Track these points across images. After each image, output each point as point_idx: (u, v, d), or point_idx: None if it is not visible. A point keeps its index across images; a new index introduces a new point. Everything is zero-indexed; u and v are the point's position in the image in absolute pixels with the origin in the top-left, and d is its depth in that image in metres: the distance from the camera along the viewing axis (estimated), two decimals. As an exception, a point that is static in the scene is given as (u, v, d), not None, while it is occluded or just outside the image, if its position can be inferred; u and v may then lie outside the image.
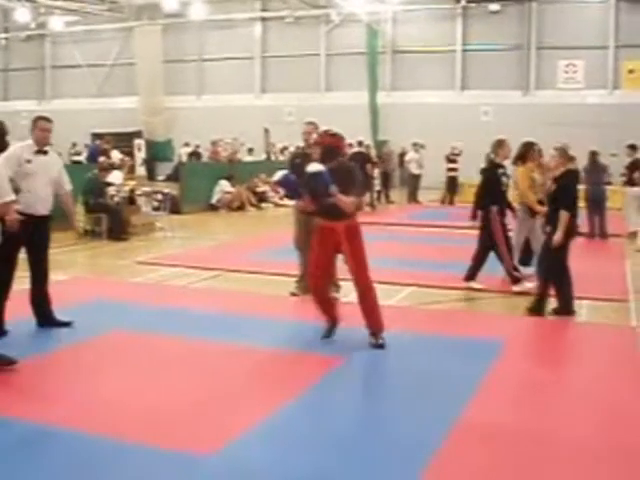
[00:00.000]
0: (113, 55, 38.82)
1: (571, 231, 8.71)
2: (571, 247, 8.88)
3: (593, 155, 16.38)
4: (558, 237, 8.50)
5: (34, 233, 7.27)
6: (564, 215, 8.55)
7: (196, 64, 37.49)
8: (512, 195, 10.78)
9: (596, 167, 16.20)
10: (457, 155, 24.74)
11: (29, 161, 7.28)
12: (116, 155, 22.82)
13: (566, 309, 8.83)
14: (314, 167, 6.83)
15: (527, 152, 10.91)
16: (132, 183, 17.63)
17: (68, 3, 33.97)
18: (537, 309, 8.76)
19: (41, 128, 7.41)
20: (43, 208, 7.40)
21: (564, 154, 9.06)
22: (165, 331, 7.64)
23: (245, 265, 11.85)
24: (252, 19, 36.15)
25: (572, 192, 8.92)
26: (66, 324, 7.67)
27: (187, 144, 29.71)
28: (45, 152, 7.46)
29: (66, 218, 8.07)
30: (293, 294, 9.54)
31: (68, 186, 7.88)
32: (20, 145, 7.39)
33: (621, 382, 6.28)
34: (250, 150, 28.23)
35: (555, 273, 8.81)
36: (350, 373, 6.48)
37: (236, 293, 10.02)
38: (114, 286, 10.47)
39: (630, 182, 15.93)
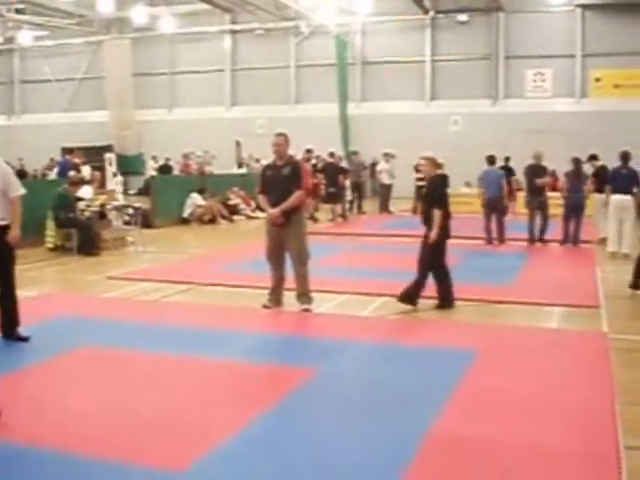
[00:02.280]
0: (83, 69, 38.70)
1: (445, 231, 9.61)
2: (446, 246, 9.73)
3: (577, 162, 16.47)
4: (434, 234, 9.38)
5: None
6: (437, 213, 9.43)
7: (166, 77, 37.44)
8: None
9: (579, 174, 16.30)
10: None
11: None
12: (87, 170, 22.67)
13: (447, 303, 9.71)
14: None
15: None
16: (103, 197, 17.50)
17: (36, 17, 33.81)
18: (407, 298, 9.57)
19: None
20: None
21: (433, 162, 10.02)
22: (137, 346, 7.59)
23: (217, 278, 11.80)
24: (222, 32, 36.19)
25: (441, 193, 9.79)
26: (25, 339, 7.59)
27: (154, 158, 29.54)
28: None
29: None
30: (265, 306, 9.51)
31: (16, 191, 7.61)
32: None
33: (593, 389, 6.30)
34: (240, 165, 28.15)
35: (435, 271, 9.67)
36: (321, 385, 6.45)
37: (208, 306, 9.98)
38: (85, 302, 10.38)
39: (598, 189, 16.07)
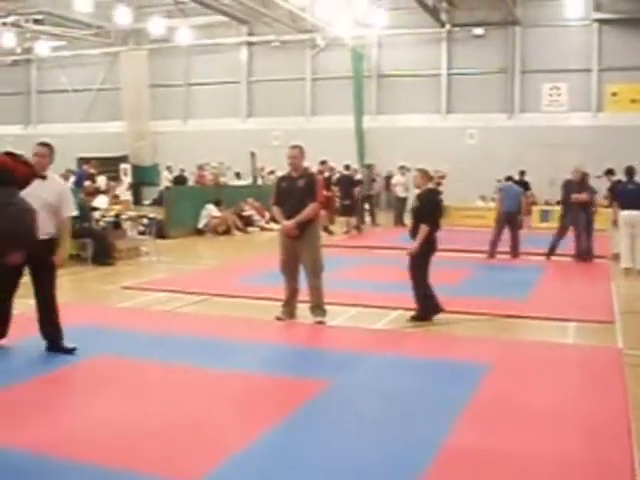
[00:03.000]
0: (99, 80, 38.93)
1: (431, 245, 9.65)
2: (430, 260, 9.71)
3: (583, 176, 16.44)
4: (414, 247, 9.51)
5: (30, 258, 7.26)
6: (424, 229, 9.49)
7: (182, 89, 37.60)
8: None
9: (585, 188, 16.25)
10: (442, 178, 24.78)
11: None
12: (102, 180, 22.80)
13: (422, 316, 9.65)
14: None
15: None
16: (117, 208, 17.57)
17: (54, 28, 34.05)
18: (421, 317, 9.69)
19: (34, 153, 7.42)
20: (38, 232, 7.38)
21: (425, 175, 10.03)
22: (151, 356, 7.60)
23: (231, 290, 11.81)
24: (238, 44, 36.33)
25: (432, 208, 9.86)
26: (70, 351, 7.61)
27: (169, 169, 29.65)
28: (43, 177, 7.40)
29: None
30: (279, 318, 9.51)
31: (68, 212, 7.70)
32: None
33: (607, 403, 6.27)
34: (237, 174, 28.29)
35: (416, 283, 9.62)
36: (336, 397, 6.44)
37: (222, 318, 9.99)
38: (100, 311, 10.41)
39: (612, 204, 16.03)
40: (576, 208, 15.82)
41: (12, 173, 5.17)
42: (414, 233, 9.65)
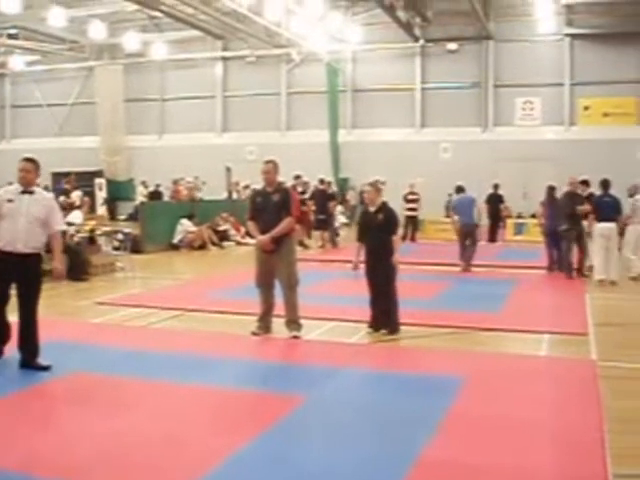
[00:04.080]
0: (74, 94, 38.79)
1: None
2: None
3: (550, 190, 16.62)
4: (397, 258, 9.60)
5: (16, 270, 7.38)
6: (398, 240, 9.83)
7: (157, 103, 37.55)
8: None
9: (553, 201, 16.40)
10: (415, 194, 24.87)
11: (11, 200, 7.45)
12: (77, 194, 22.70)
13: (395, 328, 9.70)
14: None
15: None
16: (92, 223, 17.49)
17: (29, 43, 33.92)
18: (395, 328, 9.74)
19: (19, 169, 7.56)
20: (24, 246, 7.46)
21: (378, 189, 10.16)
22: (125, 372, 7.56)
23: (206, 304, 11.79)
24: (213, 58, 36.35)
25: (397, 218, 10.11)
26: (45, 368, 7.57)
27: (145, 184, 29.55)
28: (31, 192, 7.48)
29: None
30: (254, 333, 9.49)
31: (58, 226, 7.89)
32: (5, 188, 7.73)
33: (582, 416, 6.31)
34: (247, 187, 27.74)
35: (393, 297, 9.71)
36: (310, 412, 6.44)
37: (197, 333, 9.96)
38: (74, 327, 10.35)
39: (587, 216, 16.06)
40: (579, 220, 15.34)
41: None
42: (384, 248, 9.67)
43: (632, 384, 7.45)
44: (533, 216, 23.94)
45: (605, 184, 15.05)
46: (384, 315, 9.79)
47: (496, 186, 24.16)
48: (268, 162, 9.43)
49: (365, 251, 9.90)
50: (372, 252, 9.76)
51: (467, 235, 16.64)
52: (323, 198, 22.35)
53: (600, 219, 14.71)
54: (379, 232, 9.76)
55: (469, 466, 5.16)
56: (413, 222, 24.54)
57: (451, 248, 18.21)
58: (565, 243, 15.59)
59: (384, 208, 9.97)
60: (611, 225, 14.68)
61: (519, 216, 28.55)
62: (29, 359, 7.59)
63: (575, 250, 15.67)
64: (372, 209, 9.98)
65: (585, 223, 15.24)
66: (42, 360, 7.60)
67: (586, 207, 15.10)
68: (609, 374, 7.66)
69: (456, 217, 16.89)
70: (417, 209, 24.77)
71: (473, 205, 16.92)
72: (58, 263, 8.06)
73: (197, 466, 5.08)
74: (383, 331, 9.74)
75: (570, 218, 15.36)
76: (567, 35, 31.66)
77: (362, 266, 9.98)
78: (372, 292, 9.88)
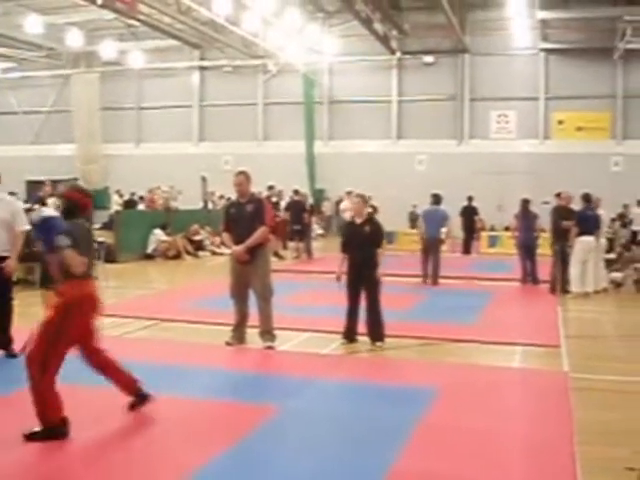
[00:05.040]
0: (50, 102, 38.61)
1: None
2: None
3: (524, 203, 16.75)
4: (380, 272, 9.69)
5: None
6: (383, 252, 9.80)
7: (134, 112, 37.48)
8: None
9: (527, 214, 16.54)
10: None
11: None
12: (52, 203, 22.51)
13: (382, 338, 9.75)
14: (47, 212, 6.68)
15: None
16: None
17: (4, 49, 33.73)
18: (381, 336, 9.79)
19: None
20: None
21: (365, 200, 10.22)
22: (98, 383, 7.49)
23: (181, 314, 11.77)
24: (190, 68, 36.35)
25: (383, 233, 10.08)
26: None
27: (119, 193, 29.42)
28: None
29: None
30: (228, 343, 9.49)
31: (21, 227, 8.13)
32: None
33: (553, 428, 6.35)
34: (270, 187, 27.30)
35: (379, 307, 9.77)
36: (283, 423, 6.44)
37: (171, 343, 9.93)
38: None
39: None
40: (567, 236, 15.02)
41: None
42: (371, 260, 9.70)
43: (603, 396, 7.52)
44: (507, 228, 24.08)
45: (587, 198, 15.16)
46: (372, 326, 9.82)
47: (470, 198, 24.27)
48: (240, 174, 9.45)
49: (349, 263, 9.89)
50: (356, 264, 9.77)
51: (430, 248, 16.35)
52: (298, 209, 22.35)
53: (583, 233, 14.76)
54: (365, 244, 9.78)
55: (441, 477, 5.19)
56: None
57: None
58: (554, 259, 15.29)
59: (371, 221, 10.01)
60: (592, 239, 14.80)
61: (493, 228, 28.73)
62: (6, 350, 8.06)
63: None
64: (358, 221, 9.99)
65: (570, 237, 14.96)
66: (13, 371, 7.59)
67: (570, 222, 14.88)
68: (581, 386, 7.72)
69: (422, 228, 16.67)
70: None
71: (443, 221, 16.74)
72: (12, 260, 8.32)
73: (171, 476, 5.07)
74: (378, 344, 9.76)
75: (558, 233, 15.23)
76: (542, 50, 32.02)
77: (344, 277, 9.98)
78: (351, 303, 9.89)
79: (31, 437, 5.67)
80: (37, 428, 5.71)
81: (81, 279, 6.01)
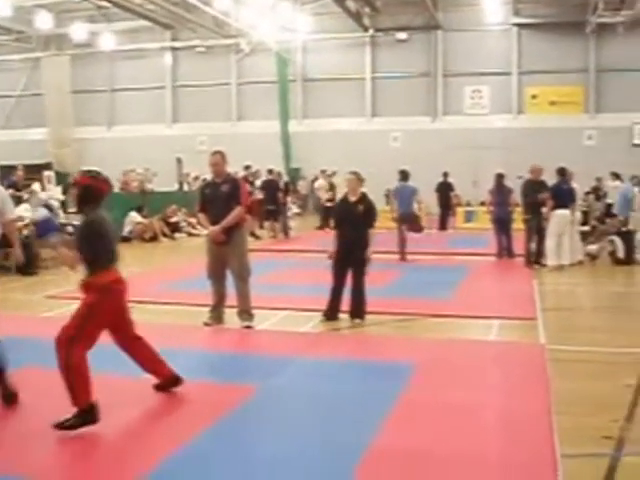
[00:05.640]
0: (20, 86, 38.16)
1: None
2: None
3: (499, 177, 16.84)
4: (370, 252, 9.72)
5: None
6: (374, 232, 9.80)
7: (106, 94, 37.17)
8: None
9: (501, 189, 16.63)
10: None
11: None
12: (36, 188, 22.31)
13: (363, 316, 9.86)
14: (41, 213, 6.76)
15: None
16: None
17: (-28, 33, 33.35)
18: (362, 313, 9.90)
19: None
20: None
21: (360, 178, 10.15)
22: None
23: (158, 296, 11.73)
24: (162, 49, 36.05)
25: (377, 212, 10.09)
26: None
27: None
28: None
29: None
30: (207, 324, 9.49)
31: (11, 215, 7.94)
32: None
33: (530, 399, 6.41)
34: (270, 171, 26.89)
35: (363, 286, 9.85)
36: (263, 402, 6.45)
37: (149, 325, 9.85)
38: (24, 321, 10.23)
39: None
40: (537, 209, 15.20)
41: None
42: (362, 239, 9.73)
43: (579, 366, 7.60)
44: (482, 204, 24.19)
45: (562, 172, 15.25)
46: (355, 305, 9.87)
47: (446, 174, 24.36)
48: (215, 153, 9.42)
49: (339, 241, 9.88)
50: (347, 243, 9.77)
51: (403, 223, 16.63)
52: (272, 188, 22.29)
53: (559, 206, 14.85)
54: (358, 223, 9.79)
55: (419, 452, 5.22)
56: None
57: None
58: (526, 232, 15.44)
59: (365, 199, 9.99)
60: (567, 212, 14.91)
61: (468, 204, 28.85)
62: None
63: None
64: (353, 199, 9.97)
65: (544, 210, 15.10)
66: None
67: (546, 195, 14.99)
68: (557, 357, 7.80)
69: (395, 204, 16.96)
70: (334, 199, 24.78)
71: (413, 195, 16.96)
72: (17, 249, 8.21)
73: (150, 458, 5.08)
74: (357, 320, 9.82)
75: (531, 206, 15.32)
76: (514, 25, 32.04)
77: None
78: (337, 282, 9.90)
79: (61, 426, 5.55)
80: (67, 416, 5.60)
81: (106, 269, 6.17)
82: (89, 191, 6.03)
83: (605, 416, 5.96)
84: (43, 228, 5.82)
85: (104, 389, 6.69)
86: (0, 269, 14.68)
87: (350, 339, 9.25)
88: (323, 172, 25.64)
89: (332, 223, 10.21)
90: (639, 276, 15.08)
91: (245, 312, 9.41)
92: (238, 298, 9.42)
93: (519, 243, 16.18)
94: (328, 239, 10.24)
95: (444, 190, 23.84)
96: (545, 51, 31.19)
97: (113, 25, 34.24)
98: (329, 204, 23.59)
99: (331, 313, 9.89)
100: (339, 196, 10.52)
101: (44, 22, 30.64)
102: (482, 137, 31.18)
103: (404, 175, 17.08)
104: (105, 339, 7.53)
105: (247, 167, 24.27)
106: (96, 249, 5.86)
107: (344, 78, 33.82)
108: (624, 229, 15.77)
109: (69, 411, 5.88)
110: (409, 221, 16.66)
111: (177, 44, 36.00)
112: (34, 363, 7.57)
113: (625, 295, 11.84)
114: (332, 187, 24.98)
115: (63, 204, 24.08)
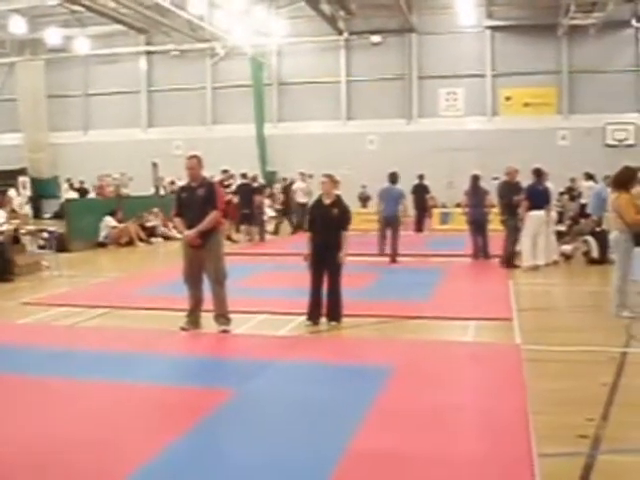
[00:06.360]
0: (-6, 91, 37.86)
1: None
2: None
3: (474, 179, 16.92)
4: (345, 255, 9.70)
5: None
6: (348, 235, 9.79)
7: (81, 99, 36.97)
8: (614, 222, 10.20)
9: (477, 190, 16.71)
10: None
11: None
12: (12, 194, 22.22)
13: (339, 319, 9.88)
14: None
15: (632, 178, 10.19)
16: (16, 222, 17.15)
17: (-55, 38, 33.03)
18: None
19: None
20: None
21: (334, 180, 10.12)
22: (53, 372, 7.47)
23: (134, 301, 11.70)
24: (137, 53, 35.89)
25: (351, 215, 10.11)
26: None
27: (70, 182, 29.09)
28: None
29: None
30: (183, 328, 9.47)
31: None
32: None
33: (507, 399, 6.45)
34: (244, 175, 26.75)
35: (339, 289, 9.84)
36: (240, 406, 6.44)
37: (125, 330, 9.88)
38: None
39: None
40: (513, 210, 15.33)
41: None
42: (335, 242, 9.72)
43: (554, 366, 7.65)
44: (458, 205, 24.30)
45: (538, 173, 15.33)
46: (331, 307, 9.87)
47: (421, 177, 24.44)
48: (192, 157, 9.41)
49: (313, 244, 9.87)
50: (321, 245, 9.76)
51: (388, 226, 16.69)
52: (247, 192, 22.20)
53: (534, 207, 14.93)
54: (331, 226, 9.77)
55: (398, 455, 5.22)
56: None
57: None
58: (506, 233, 15.56)
59: (339, 202, 9.99)
60: (542, 213, 15.00)
61: (444, 206, 28.97)
62: None
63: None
64: (327, 201, 9.97)
65: (519, 212, 15.21)
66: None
67: (521, 197, 15.12)
68: (533, 357, 7.85)
69: (381, 206, 16.98)
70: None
71: (399, 199, 16.93)
72: None
73: (127, 464, 5.05)
74: (333, 323, 9.84)
75: (508, 207, 15.49)
76: (488, 27, 32.19)
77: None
78: (314, 285, 9.89)
79: None
80: None
81: None
82: None
83: (581, 415, 6.00)
84: None
85: (79, 395, 6.69)
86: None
87: (328, 342, 9.26)
88: (302, 175, 25.61)
89: (305, 225, 10.18)
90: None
91: (222, 316, 9.40)
92: (215, 302, 9.41)
93: (495, 244, 16.31)
94: (304, 242, 10.22)
95: (420, 192, 23.92)
96: (518, 53, 31.39)
97: (87, 30, 34.02)
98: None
99: (312, 315, 9.89)
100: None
101: (18, 27, 30.36)
102: (457, 139, 31.30)
103: (393, 177, 17.12)
104: (79, 346, 7.53)
105: (225, 171, 24.23)
106: None
107: (319, 81, 33.84)
108: (598, 229, 15.87)
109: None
110: (393, 224, 16.60)
111: (152, 48, 35.83)
112: (9, 370, 7.55)
113: (599, 294, 11.91)
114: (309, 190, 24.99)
115: (37, 211, 24.02)
